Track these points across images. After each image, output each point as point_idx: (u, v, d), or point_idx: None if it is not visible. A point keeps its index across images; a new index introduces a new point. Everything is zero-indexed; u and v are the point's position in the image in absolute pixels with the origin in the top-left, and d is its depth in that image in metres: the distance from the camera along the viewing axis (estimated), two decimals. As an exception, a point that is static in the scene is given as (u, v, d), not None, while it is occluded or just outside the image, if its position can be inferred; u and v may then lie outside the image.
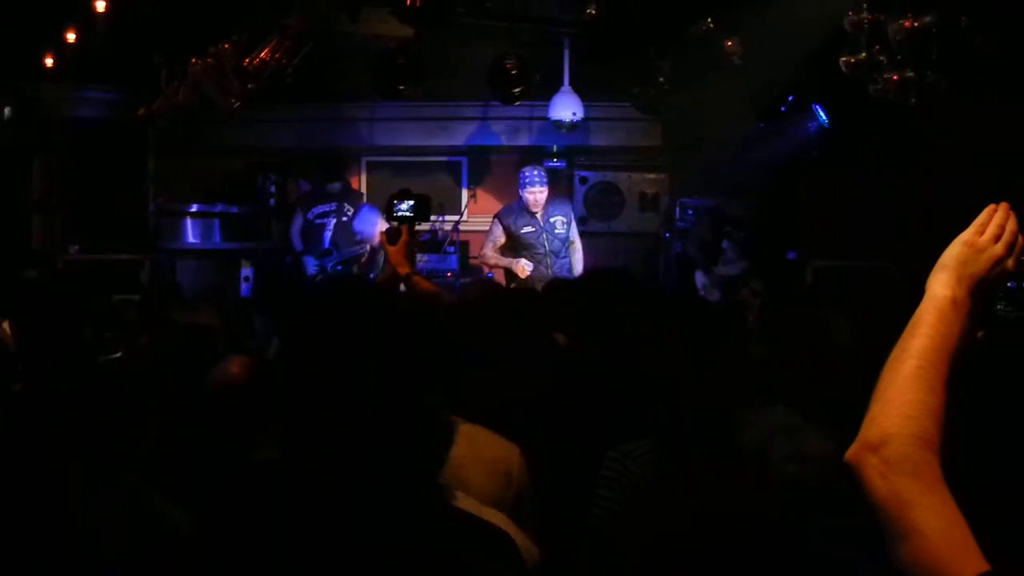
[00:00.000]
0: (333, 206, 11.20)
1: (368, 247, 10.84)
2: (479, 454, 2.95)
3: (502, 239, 9.58)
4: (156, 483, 3.22)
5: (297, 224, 11.37)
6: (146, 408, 3.67)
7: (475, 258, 10.91)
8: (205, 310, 5.18)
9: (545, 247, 9.31)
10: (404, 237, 4.98)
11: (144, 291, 9.54)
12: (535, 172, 9.52)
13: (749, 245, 10.09)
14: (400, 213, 5.22)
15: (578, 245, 9.80)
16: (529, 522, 2.96)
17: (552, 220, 9.46)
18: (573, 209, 10.17)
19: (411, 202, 5.27)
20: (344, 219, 11.13)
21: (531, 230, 9.36)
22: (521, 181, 9.58)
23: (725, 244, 10.18)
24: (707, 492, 2.63)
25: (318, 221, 11.20)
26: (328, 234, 11.11)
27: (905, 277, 8.04)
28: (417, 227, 5.35)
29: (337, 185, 11.42)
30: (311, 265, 11.02)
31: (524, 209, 9.46)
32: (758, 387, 3.20)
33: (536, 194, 9.38)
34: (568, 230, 9.60)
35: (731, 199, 10.82)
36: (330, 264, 10.91)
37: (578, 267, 9.65)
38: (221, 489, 2.73)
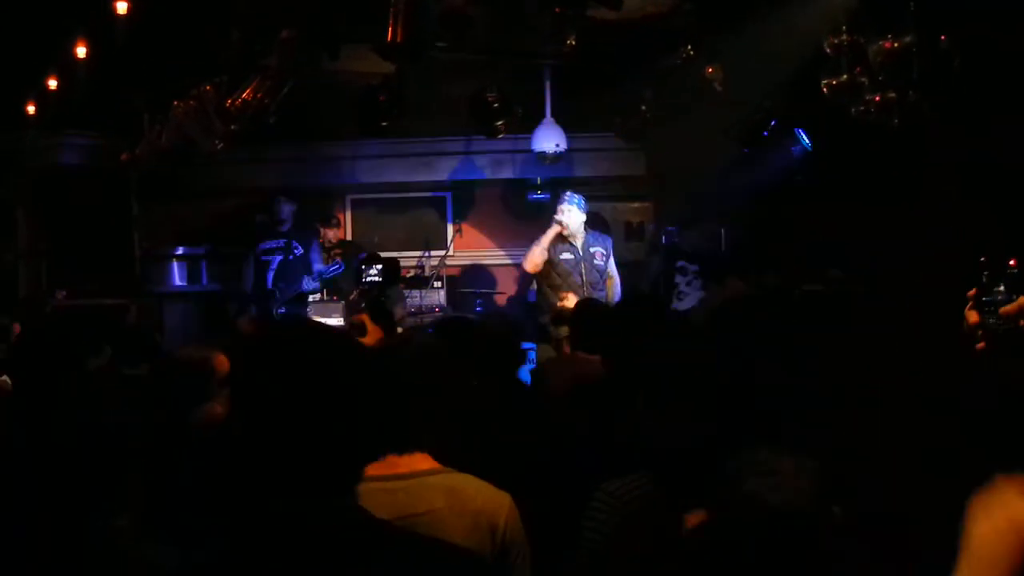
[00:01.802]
0: (281, 243, 10.51)
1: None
2: (460, 507, 2.84)
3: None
4: (147, 524, 3.19)
5: (250, 265, 10.76)
6: (135, 450, 3.64)
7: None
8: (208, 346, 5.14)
9: (583, 277, 8.90)
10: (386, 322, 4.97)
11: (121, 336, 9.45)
12: (570, 194, 9.17)
13: (706, 277, 10.05)
14: (370, 279, 5.24)
15: (617, 280, 9.35)
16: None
17: (592, 250, 9.07)
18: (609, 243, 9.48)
19: (379, 266, 5.28)
20: (291, 258, 10.46)
21: (569, 257, 8.96)
22: (558, 205, 9.18)
23: (678, 279, 10.15)
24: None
25: (264, 258, 10.55)
26: (271, 274, 10.48)
27: (890, 300, 8.03)
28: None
29: (288, 208, 10.67)
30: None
31: (560, 236, 9.07)
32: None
33: (566, 212, 9.00)
34: (607, 264, 9.18)
35: (711, 225, 10.85)
36: (273, 308, 10.28)
37: (615, 301, 9.10)
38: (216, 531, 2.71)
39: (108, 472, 3.53)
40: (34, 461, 3.62)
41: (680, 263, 10.25)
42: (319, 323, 2.47)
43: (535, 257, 8.92)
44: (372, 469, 2.98)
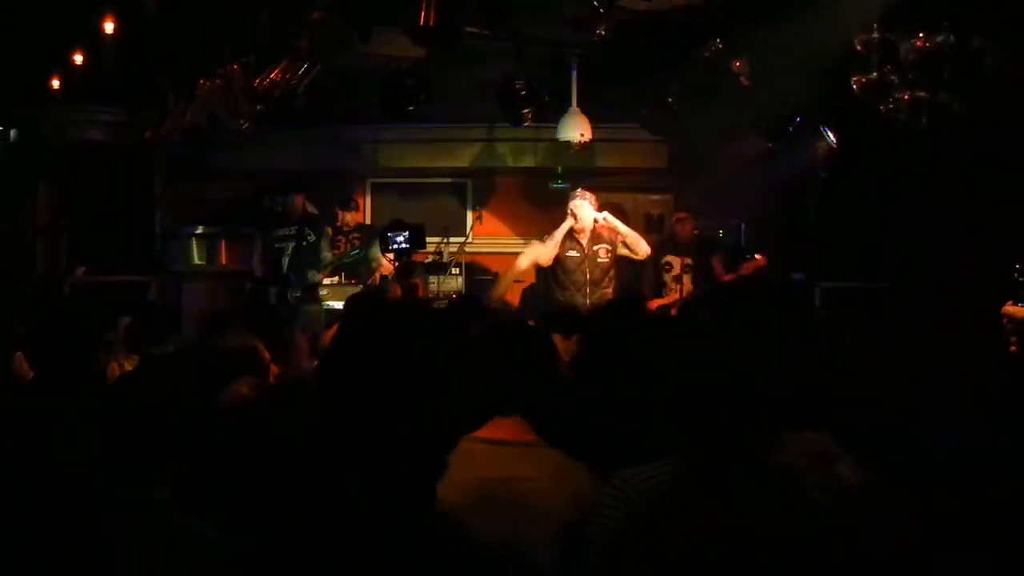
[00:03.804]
0: (293, 230, 10.51)
1: (378, 274, 10.61)
2: (562, 480, 3.06)
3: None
4: (182, 501, 3.20)
5: (258, 250, 10.78)
6: (172, 427, 3.65)
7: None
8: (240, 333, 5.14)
9: (586, 276, 8.99)
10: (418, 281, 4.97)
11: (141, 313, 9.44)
12: (581, 191, 9.28)
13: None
14: (396, 246, 5.21)
15: (636, 236, 9.28)
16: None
17: (596, 248, 9.10)
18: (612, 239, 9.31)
19: (406, 233, 5.26)
20: (304, 244, 10.44)
21: (575, 255, 9.04)
22: (570, 201, 9.25)
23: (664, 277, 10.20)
24: (729, 518, 2.59)
25: (277, 245, 10.53)
26: (286, 259, 10.44)
27: (911, 299, 8.03)
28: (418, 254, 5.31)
29: (299, 199, 10.68)
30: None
31: (570, 233, 9.13)
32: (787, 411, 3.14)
33: (579, 208, 9.07)
34: (611, 256, 9.15)
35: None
36: (289, 293, 10.17)
37: (642, 246, 9.24)
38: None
39: (148, 446, 3.53)
40: (67, 436, 3.62)
41: (666, 259, 10.22)
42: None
43: (548, 252, 8.96)
44: (483, 432, 3.13)
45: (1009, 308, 2.77)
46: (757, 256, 9.66)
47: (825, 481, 2.60)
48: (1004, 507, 2.00)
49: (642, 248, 9.16)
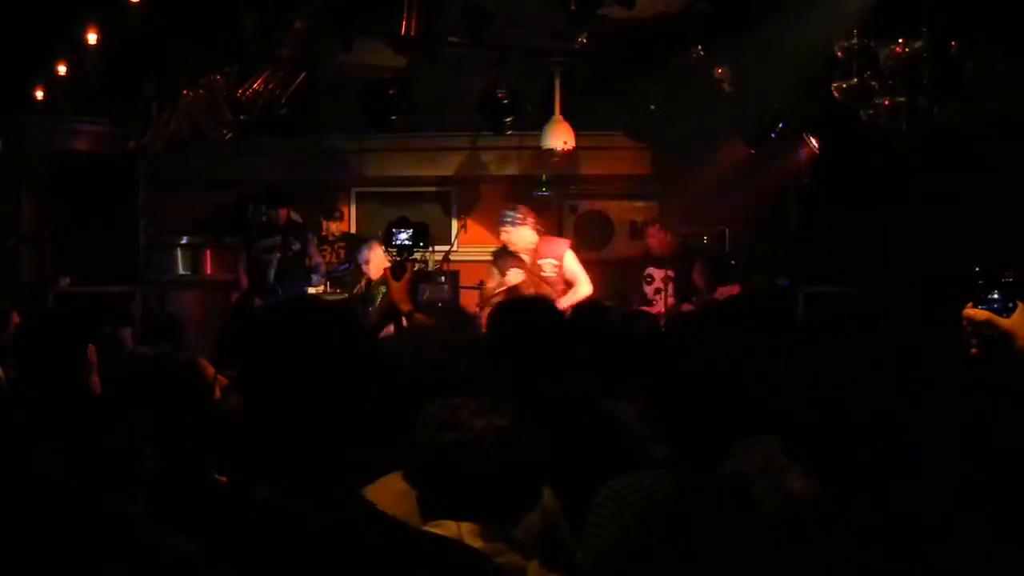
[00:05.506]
0: (277, 239, 10.56)
1: (364, 280, 10.57)
2: None
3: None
4: (157, 513, 3.20)
5: (243, 261, 10.77)
6: (144, 437, 3.65)
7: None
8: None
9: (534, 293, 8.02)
10: (408, 275, 4.94)
11: (137, 324, 9.45)
12: (504, 213, 8.52)
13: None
14: (399, 242, 5.22)
15: (579, 286, 8.33)
16: (565, 556, 2.93)
17: (541, 263, 8.34)
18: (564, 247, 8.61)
19: (410, 231, 5.27)
20: (289, 254, 10.53)
21: (519, 273, 8.27)
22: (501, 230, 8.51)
23: (645, 287, 10.25)
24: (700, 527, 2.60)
25: (265, 256, 10.56)
26: (272, 271, 10.48)
27: (894, 303, 8.06)
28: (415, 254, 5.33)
29: (280, 213, 10.77)
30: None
31: (510, 253, 8.41)
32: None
33: (504, 234, 8.38)
34: (559, 273, 8.34)
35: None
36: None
37: (571, 299, 8.11)
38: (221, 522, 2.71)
39: (121, 457, 3.53)
40: (42, 444, 3.62)
41: (647, 271, 10.28)
42: (321, 300, 2.48)
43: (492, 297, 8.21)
44: None
45: (969, 311, 2.77)
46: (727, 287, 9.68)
47: (773, 491, 2.60)
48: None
49: (581, 292, 8.32)
